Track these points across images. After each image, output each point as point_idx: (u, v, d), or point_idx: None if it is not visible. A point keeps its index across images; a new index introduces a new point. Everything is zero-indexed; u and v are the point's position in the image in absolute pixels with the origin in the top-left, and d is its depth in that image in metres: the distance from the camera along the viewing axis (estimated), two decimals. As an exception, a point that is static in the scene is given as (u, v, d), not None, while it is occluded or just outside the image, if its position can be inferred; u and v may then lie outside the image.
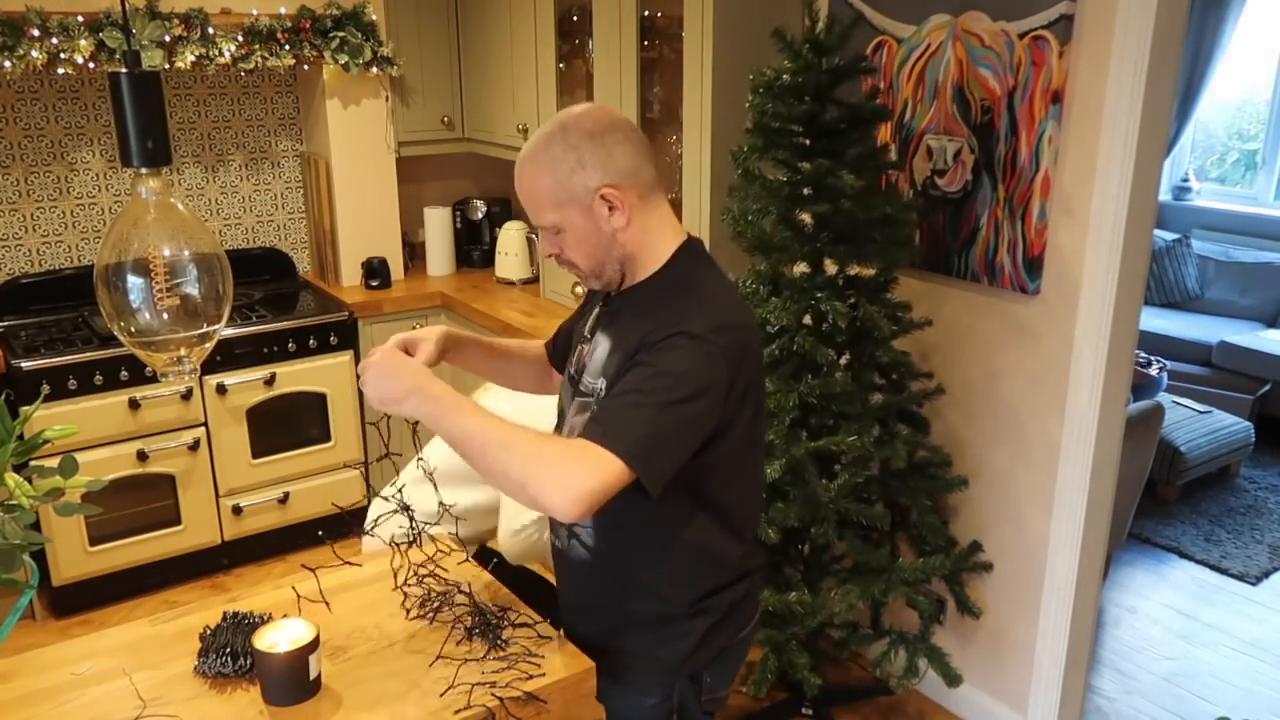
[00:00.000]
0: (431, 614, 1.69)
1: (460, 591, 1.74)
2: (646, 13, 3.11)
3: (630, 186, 1.44)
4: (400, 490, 1.83)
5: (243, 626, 1.59)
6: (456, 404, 1.38)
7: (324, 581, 1.84)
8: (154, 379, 3.26)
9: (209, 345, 1.51)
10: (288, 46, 3.53)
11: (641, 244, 1.48)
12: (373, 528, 1.94)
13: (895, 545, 2.66)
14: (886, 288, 2.51)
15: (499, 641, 1.63)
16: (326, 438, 3.72)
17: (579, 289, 3.58)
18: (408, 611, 1.72)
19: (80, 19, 3.14)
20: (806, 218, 2.44)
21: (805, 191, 2.42)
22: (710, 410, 1.38)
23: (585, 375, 1.55)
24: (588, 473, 1.27)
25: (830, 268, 2.48)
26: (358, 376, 1.48)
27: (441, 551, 1.88)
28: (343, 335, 3.68)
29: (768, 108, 2.37)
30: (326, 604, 1.72)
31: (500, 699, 1.52)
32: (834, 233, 2.43)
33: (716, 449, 1.45)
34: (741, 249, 2.50)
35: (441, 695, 1.52)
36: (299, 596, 1.73)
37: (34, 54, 3.08)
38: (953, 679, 2.55)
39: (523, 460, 1.29)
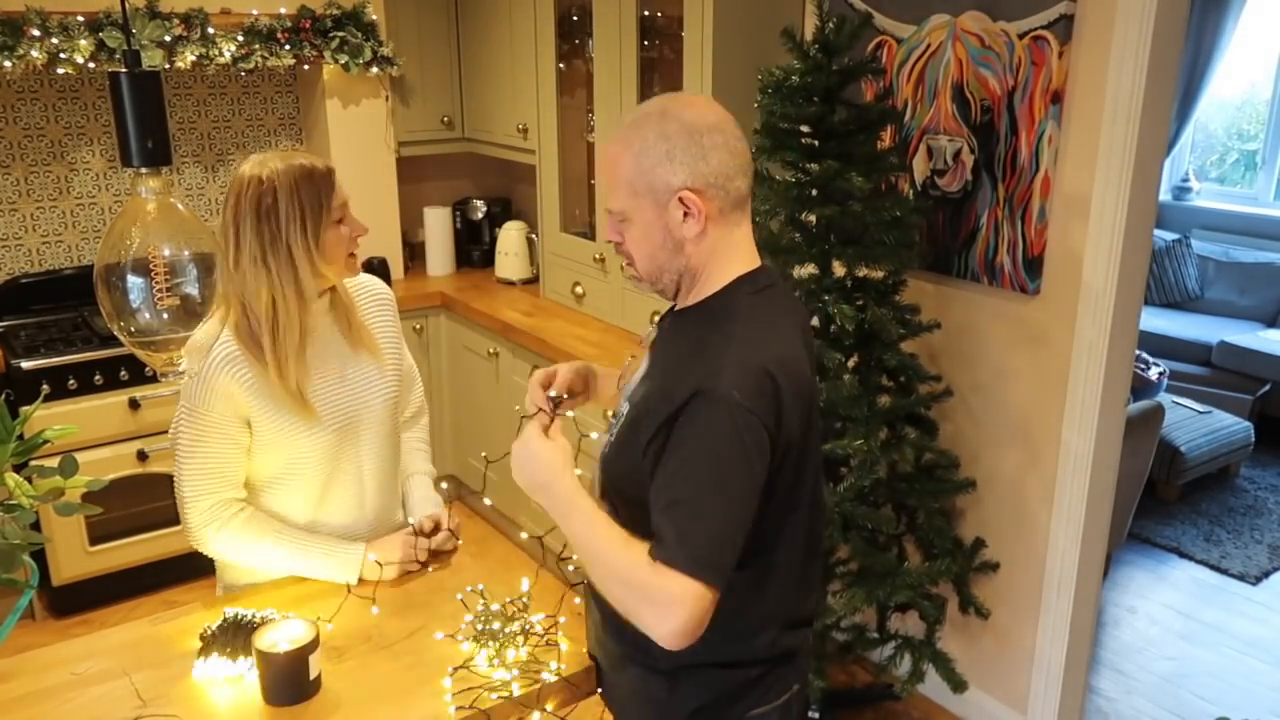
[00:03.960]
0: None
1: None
2: (646, 13, 3.11)
3: (714, 196, 1.30)
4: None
5: (243, 626, 1.59)
6: (569, 509, 1.32)
7: (323, 581, 1.84)
8: (154, 379, 3.26)
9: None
10: (288, 46, 3.53)
11: (707, 262, 1.34)
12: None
13: (902, 548, 2.65)
14: (895, 290, 2.50)
15: (507, 636, 1.63)
16: (326, 438, 3.71)
17: (579, 288, 3.58)
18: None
19: (80, 19, 3.14)
20: (813, 219, 2.43)
21: (813, 193, 2.41)
22: (758, 478, 1.27)
23: (623, 391, 1.48)
24: (683, 610, 1.21)
25: (838, 270, 2.48)
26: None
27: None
28: (343, 335, 3.67)
29: (776, 108, 2.36)
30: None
31: (500, 699, 1.52)
32: (842, 235, 2.43)
33: None
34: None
35: (441, 695, 1.52)
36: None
37: (34, 54, 3.08)
38: (958, 684, 2.55)
39: (623, 590, 1.27)
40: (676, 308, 1.42)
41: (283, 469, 1.80)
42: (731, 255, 1.35)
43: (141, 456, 3.33)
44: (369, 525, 1.91)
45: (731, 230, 1.34)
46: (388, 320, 1.97)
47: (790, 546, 1.39)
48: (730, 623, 1.34)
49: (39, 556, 2.92)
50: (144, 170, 1.38)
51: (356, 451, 1.86)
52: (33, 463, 1.45)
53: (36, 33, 3.07)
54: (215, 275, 1.62)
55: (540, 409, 1.44)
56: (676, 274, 1.36)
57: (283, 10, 3.55)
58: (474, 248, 4.34)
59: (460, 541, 1.94)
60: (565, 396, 1.52)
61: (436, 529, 1.91)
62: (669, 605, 1.21)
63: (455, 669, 1.58)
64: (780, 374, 1.27)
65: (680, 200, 1.29)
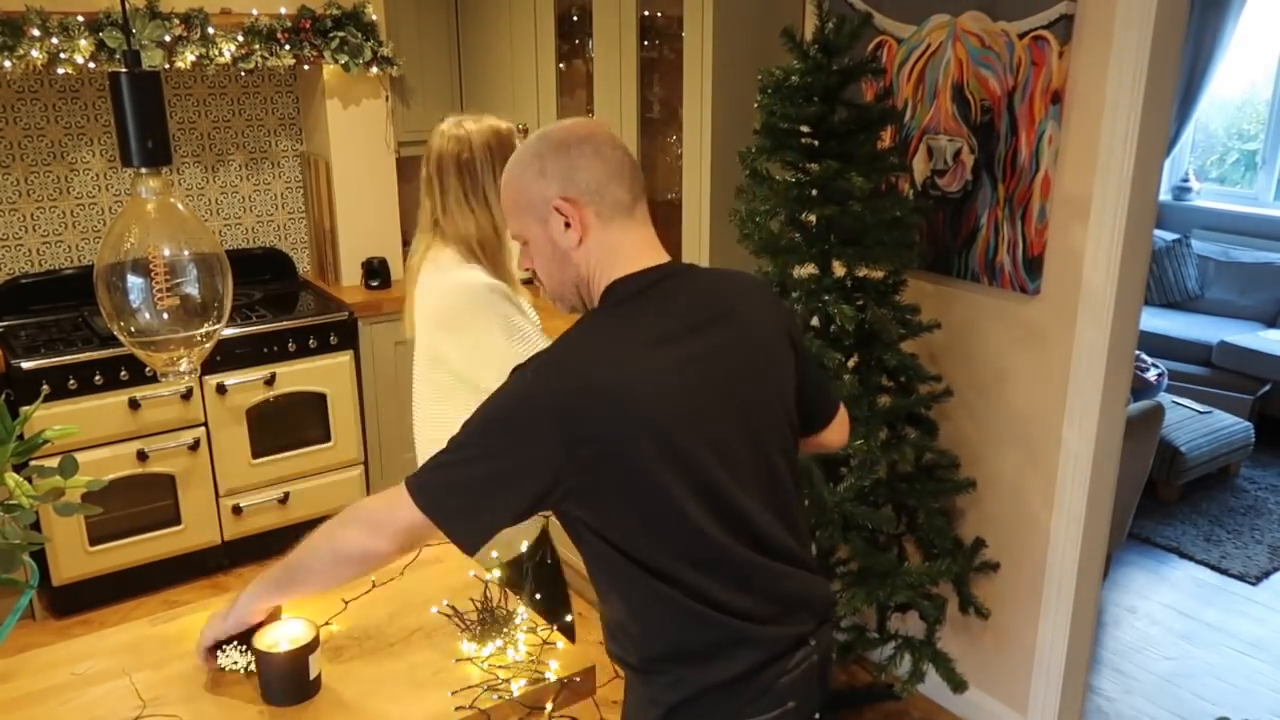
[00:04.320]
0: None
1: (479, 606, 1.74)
2: (646, 13, 3.11)
3: (589, 203, 1.35)
4: None
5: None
6: (260, 585, 1.48)
7: (324, 581, 1.83)
8: (154, 379, 3.26)
9: (209, 345, 1.51)
10: (288, 46, 3.53)
11: (595, 269, 1.38)
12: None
13: (902, 548, 2.65)
14: (895, 290, 2.51)
15: (508, 636, 1.63)
16: (326, 438, 3.72)
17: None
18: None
19: (80, 19, 3.14)
20: (813, 219, 2.43)
21: (813, 193, 2.42)
22: (515, 472, 1.26)
23: None
24: (378, 508, 1.35)
25: (838, 270, 2.48)
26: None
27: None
28: (343, 335, 3.68)
29: (776, 108, 2.36)
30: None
31: (501, 699, 1.52)
32: (842, 235, 2.43)
33: (606, 538, 1.32)
34: (749, 251, 2.50)
35: (441, 695, 1.52)
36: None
37: (34, 54, 3.08)
38: (958, 684, 2.55)
39: (330, 535, 1.40)
40: None
41: None
42: (617, 261, 1.37)
43: (141, 456, 3.33)
44: None
45: (615, 236, 1.37)
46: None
47: (694, 543, 1.32)
48: (661, 617, 1.34)
49: (39, 556, 2.92)
50: (144, 170, 1.38)
51: None
52: (33, 463, 1.45)
53: (36, 33, 3.07)
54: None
55: None
56: (573, 285, 1.41)
57: (283, 10, 3.55)
58: (474, 248, 4.34)
59: None
60: None
61: None
62: (375, 505, 1.36)
63: (459, 659, 1.58)
64: (602, 397, 1.26)
65: (557, 210, 1.35)
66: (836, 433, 1.63)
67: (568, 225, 1.35)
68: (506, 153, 1.93)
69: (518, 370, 1.32)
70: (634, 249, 1.39)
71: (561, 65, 3.50)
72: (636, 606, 1.37)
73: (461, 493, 1.29)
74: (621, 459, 1.26)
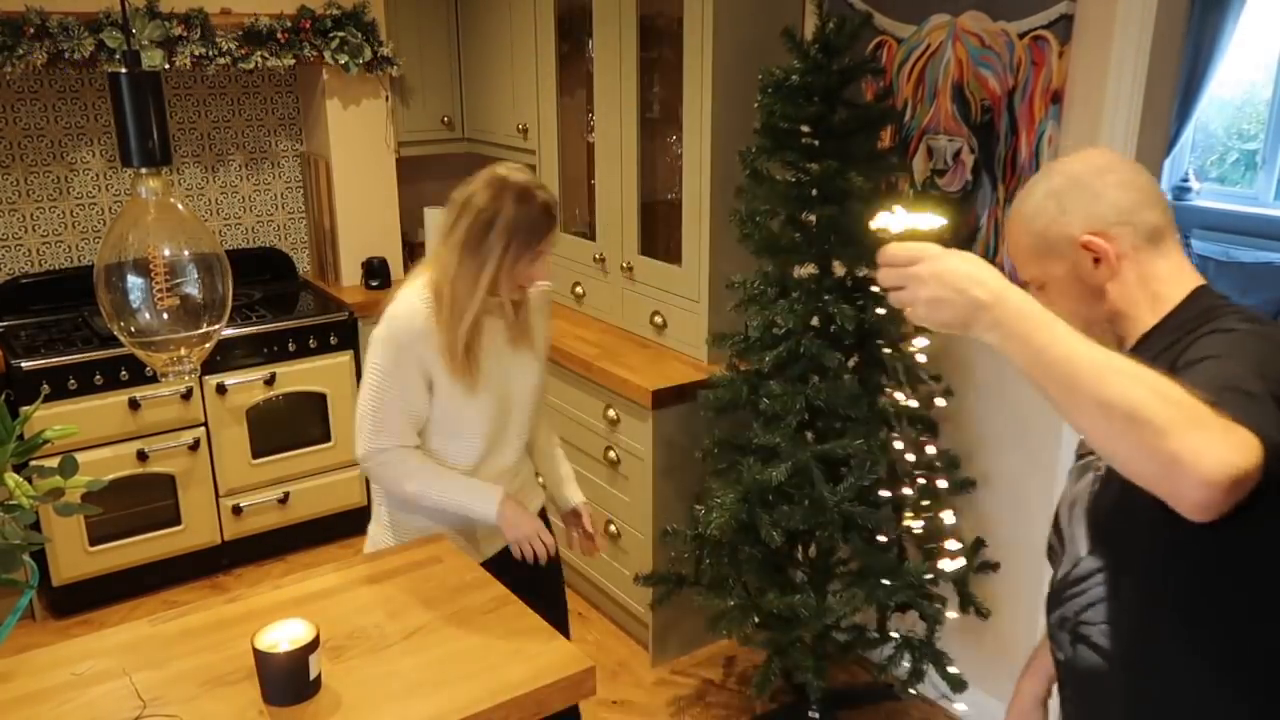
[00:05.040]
0: None
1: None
2: (646, 13, 3.11)
3: (1121, 234, 1.24)
4: None
5: None
6: (1049, 321, 1.05)
7: (323, 581, 1.84)
8: (154, 379, 3.26)
9: (209, 345, 1.51)
10: (288, 46, 3.53)
11: (1137, 301, 1.26)
12: None
13: (902, 548, 2.65)
14: (895, 289, 2.51)
15: None
16: (326, 438, 3.72)
17: (579, 289, 3.57)
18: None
19: (80, 19, 3.14)
20: (813, 219, 2.44)
21: (813, 193, 2.42)
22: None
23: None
24: (1239, 449, 0.95)
25: (838, 270, 2.48)
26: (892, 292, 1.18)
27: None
28: (343, 335, 3.68)
29: (776, 108, 2.37)
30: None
31: (502, 701, 1.52)
32: (842, 234, 2.43)
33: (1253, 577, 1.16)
34: (749, 250, 2.50)
35: (441, 695, 1.52)
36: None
37: (34, 54, 3.08)
38: (957, 685, 2.55)
39: (1174, 406, 0.97)
40: (1128, 350, 1.29)
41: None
42: (1161, 287, 1.26)
43: (141, 456, 3.33)
44: (516, 492, 2.15)
45: (1153, 262, 1.26)
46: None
47: None
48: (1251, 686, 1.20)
49: (39, 556, 2.92)
50: (144, 170, 1.38)
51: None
52: (33, 463, 1.45)
53: (36, 32, 3.07)
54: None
55: None
56: (1105, 321, 1.30)
57: (283, 10, 3.55)
58: (474, 248, 4.34)
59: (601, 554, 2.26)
60: None
61: (578, 520, 2.19)
62: (1236, 441, 0.96)
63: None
64: None
65: (1085, 247, 1.25)
66: None
67: (1097, 261, 1.25)
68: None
69: (1217, 327, 1.16)
70: (1176, 274, 1.27)
71: (561, 65, 3.50)
72: (1229, 671, 1.21)
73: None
74: None
